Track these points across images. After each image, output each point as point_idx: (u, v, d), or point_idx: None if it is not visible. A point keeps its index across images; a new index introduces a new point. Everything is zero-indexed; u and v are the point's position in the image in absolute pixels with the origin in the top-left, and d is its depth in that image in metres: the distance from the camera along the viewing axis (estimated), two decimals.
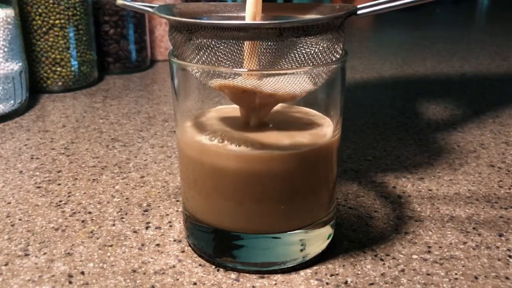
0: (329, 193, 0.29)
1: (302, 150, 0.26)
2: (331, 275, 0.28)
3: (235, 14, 0.30)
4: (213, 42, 0.25)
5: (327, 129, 0.28)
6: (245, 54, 0.26)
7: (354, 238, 0.32)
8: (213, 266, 0.29)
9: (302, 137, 0.27)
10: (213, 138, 0.27)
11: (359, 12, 0.26)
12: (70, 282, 0.27)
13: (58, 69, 0.65)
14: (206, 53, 0.26)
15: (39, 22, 0.63)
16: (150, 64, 0.82)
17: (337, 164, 0.30)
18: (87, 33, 0.67)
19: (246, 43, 0.26)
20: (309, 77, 0.26)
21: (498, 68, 0.80)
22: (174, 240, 0.31)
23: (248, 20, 0.27)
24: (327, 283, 0.27)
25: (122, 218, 0.34)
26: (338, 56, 0.27)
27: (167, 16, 0.26)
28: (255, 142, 0.26)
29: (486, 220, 0.34)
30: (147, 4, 0.29)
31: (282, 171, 0.26)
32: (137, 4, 0.29)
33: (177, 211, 0.35)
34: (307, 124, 0.29)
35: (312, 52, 0.25)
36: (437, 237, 0.32)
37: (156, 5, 0.28)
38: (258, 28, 0.24)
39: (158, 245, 0.31)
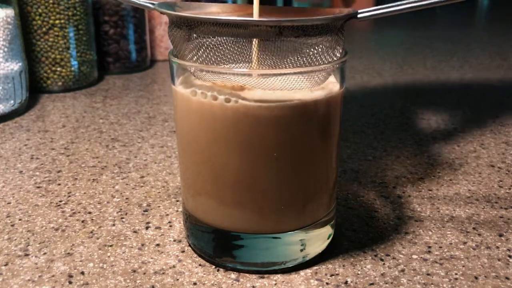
0: (329, 192, 0.29)
1: (301, 102, 0.25)
2: (331, 275, 0.28)
3: (235, 16, 0.30)
4: (213, 40, 0.25)
5: (331, 84, 0.28)
6: (252, 54, 0.26)
7: (354, 238, 0.32)
8: (213, 266, 0.29)
9: (308, 91, 0.27)
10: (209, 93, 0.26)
11: (359, 15, 0.26)
12: (70, 282, 0.27)
13: (58, 69, 0.65)
14: (206, 51, 0.26)
15: (39, 22, 0.63)
16: (150, 64, 0.82)
17: (337, 164, 0.30)
18: (87, 33, 0.67)
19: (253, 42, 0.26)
20: (308, 78, 0.26)
21: (498, 68, 0.80)
22: (174, 240, 0.31)
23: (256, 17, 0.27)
24: (327, 283, 0.27)
25: (122, 218, 0.34)
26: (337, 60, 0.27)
27: (168, 11, 0.26)
28: (263, 96, 0.26)
29: (486, 220, 0.34)
30: (148, 1, 0.29)
31: (291, 121, 0.26)
32: (138, 0, 0.29)
33: (177, 211, 0.35)
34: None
35: (311, 53, 0.25)
36: (437, 237, 0.32)
37: (157, 2, 0.28)
38: (258, 26, 0.24)
39: (158, 245, 0.31)
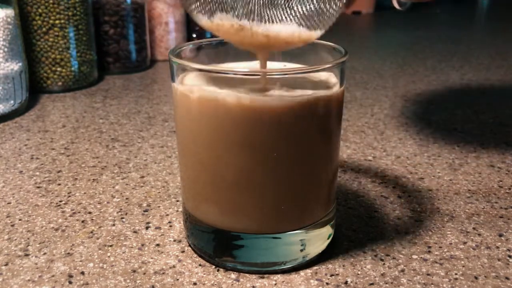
0: (329, 192, 0.29)
1: (305, 98, 0.25)
2: (331, 275, 0.28)
3: None
4: None
5: (333, 83, 0.28)
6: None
7: (354, 238, 0.32)
8: (213, 266, 0.29)
9: (308, 89, 0.27)
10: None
11: None
12: (70, 282, 0.27)
13: (58, 69, 0.65)
14: None
15: (39, 22, 0.63)
16: (150, 64, 0.82)
17: (337, 164, 0.30)
18: (87, 33, 0.67)
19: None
20: (305, 26, 0.26)
21: (498, 68, 0.80)
22: (174, 240, 0.31)
23: None
24: (327, 283, 0.27)
25: (122, 218, 0.34)
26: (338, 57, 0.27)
27: None
28: (263, 95, 0.26)
29: (486, 220, 0.34)
30: None
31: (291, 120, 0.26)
32: None
33: (177, 211, 0.35)
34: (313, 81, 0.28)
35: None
36: (437, 237, 0.32)
37: None
38: None
39: (158, 245, 0.31)
